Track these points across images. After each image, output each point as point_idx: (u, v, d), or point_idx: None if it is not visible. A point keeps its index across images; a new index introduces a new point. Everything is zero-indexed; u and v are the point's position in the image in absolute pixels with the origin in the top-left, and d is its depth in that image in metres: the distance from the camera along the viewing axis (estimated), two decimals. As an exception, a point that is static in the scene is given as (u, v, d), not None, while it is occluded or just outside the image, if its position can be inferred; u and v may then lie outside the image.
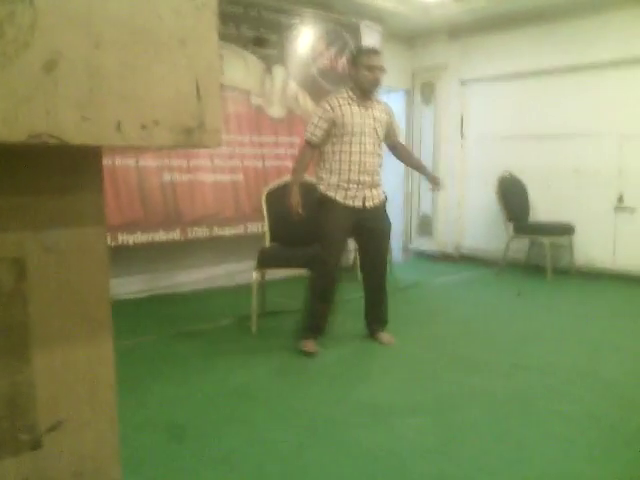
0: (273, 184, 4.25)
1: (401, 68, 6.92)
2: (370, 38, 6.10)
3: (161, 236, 4.53)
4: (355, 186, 3.38)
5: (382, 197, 3.57)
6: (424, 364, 3.31)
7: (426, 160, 6.93)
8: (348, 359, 3.38)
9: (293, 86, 5.39)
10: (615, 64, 5.49)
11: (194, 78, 0.95)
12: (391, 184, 7.15)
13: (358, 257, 3.78)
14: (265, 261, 3.79)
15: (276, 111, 5.27)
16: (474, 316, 4.41)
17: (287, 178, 4.33)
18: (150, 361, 3.33)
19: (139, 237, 4.37)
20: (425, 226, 7.10)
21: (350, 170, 3.36)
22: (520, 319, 4.31)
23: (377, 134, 3.44)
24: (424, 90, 6.99)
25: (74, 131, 0.83)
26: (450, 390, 2.92)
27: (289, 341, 3.67)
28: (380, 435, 2.43)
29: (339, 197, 3.38)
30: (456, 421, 2.56)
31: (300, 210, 3.40)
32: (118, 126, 0.87)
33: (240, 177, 5.03)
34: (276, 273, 4.29)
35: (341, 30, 5.77)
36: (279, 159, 5.28)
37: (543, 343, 3.71)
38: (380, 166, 3.52)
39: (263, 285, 4.11)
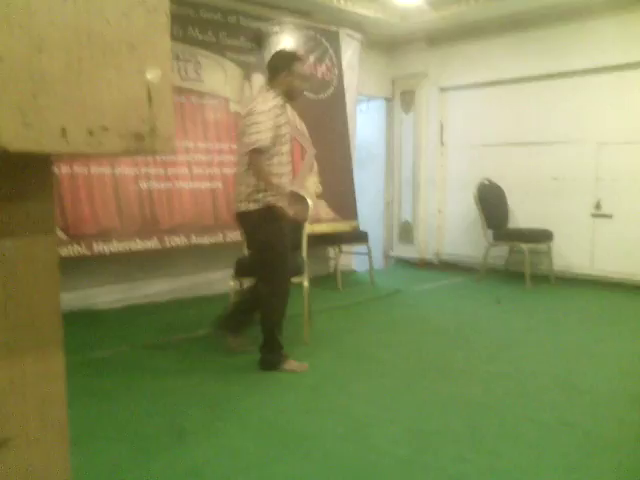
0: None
1: (381, 76, 6.95)
2: (350, 46, 6.11)
3: (138, 245, 4.46)
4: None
5: None
6: (400, 373, 3.28)
7: (406, 168, 6.98)
8: (323, 370, 3.33)
9: (272, 93, 5.35)
10: (592, 71, 5.54)
11: (145, 83, 0.92)
12: (371, 191, 7.18)
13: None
14: (242, 270, 3.74)
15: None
16: (452, 324, 4.40)
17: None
18: (123, 372, 3.27)
19: (115, 246, 4.29)
20: (406, 233, 7.10)
21: (287, 176, 3.25)
22: (498, 326, 4.31)
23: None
24: (404, 98, 7.01)
25: (14, 137, 0.79)
26: (425, 399, 2.89)
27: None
28: (353, 446, 2.39)
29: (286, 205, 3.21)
30: (431, 430, 2.54)
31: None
32: (63, 132, 0.84)
33: (219, 185, 4.98)
34: (254, 282, 4.24)
35: (321, 38, 5.77)
36: (258, 167, 5.23)
37: (520, 350, 3.71)
38: None
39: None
